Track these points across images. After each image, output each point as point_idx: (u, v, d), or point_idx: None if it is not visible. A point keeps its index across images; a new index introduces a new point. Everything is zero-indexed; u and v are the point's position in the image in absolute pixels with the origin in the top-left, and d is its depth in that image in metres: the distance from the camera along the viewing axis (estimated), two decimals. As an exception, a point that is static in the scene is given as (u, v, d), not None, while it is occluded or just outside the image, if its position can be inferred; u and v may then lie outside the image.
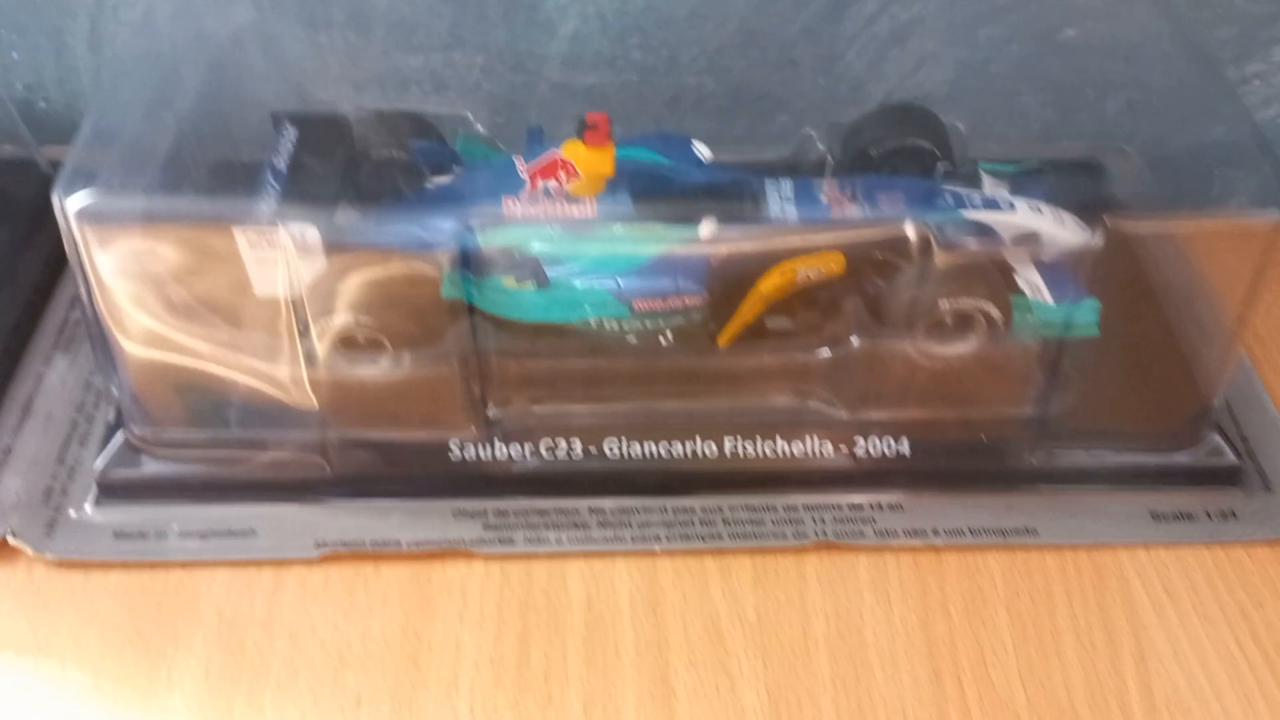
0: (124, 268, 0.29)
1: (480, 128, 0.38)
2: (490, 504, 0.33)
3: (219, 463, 0.33)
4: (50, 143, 0.42)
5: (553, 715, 0.29)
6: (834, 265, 0.33)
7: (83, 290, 0.30)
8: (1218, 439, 0.35)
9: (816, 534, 0.33)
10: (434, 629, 0.31)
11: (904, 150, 0.36)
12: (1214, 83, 0.37)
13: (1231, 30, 0.46)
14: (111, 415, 0.34)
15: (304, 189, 0.32)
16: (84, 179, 0.28)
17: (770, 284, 0.33)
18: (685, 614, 0.32)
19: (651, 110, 0.48)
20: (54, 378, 0.37)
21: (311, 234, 0.30)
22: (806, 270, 0.33)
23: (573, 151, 0.33)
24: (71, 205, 0.28)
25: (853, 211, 0.33)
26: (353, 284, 0.31)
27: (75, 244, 0.28)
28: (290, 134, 0.34)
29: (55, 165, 0.42)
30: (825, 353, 0.33)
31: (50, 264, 0.41)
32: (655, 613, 0.32)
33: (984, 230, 0.32)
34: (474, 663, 0.30)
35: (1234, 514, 0.35)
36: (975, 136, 0.38)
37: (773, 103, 0.47)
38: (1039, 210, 0.33)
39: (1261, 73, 0.48)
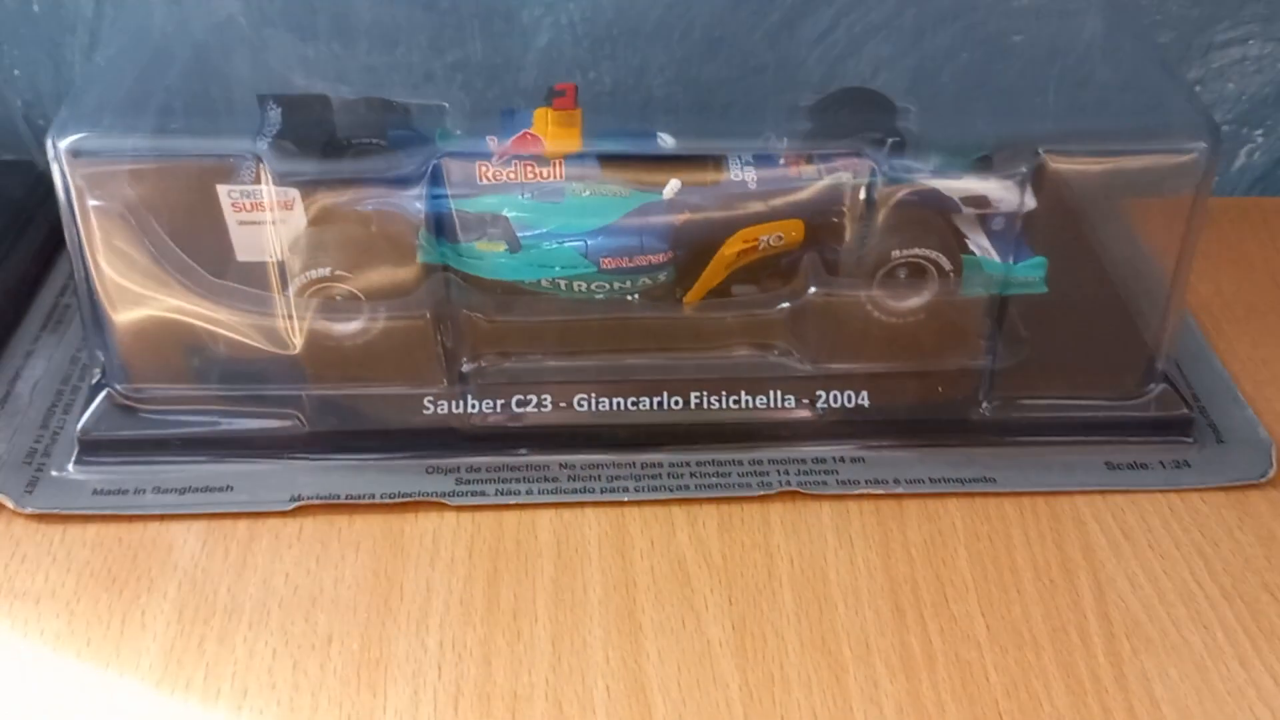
0: (112, 209, 0.30)
1: (456, 117, 0.40)
2: (462, 460, 0.34)
3: (200, 417, 0.34)
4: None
5: (521, 650, 0.30)
6: (794, 233, 0.35)
7: (71, 237, 0.31)
8: (1170, 392, 0.36)
9: (781, 484, 0.34)
10: (405, 573, 0.32)
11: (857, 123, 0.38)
12: (1165, 80, 0.39)
13: (1169, 35, 0.49)
14: (96, 376, 0.35)
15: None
16: (76, 125, 0.30)
17: (733, 249, 0.35)
18: (652, 557, 0.32)
19: (623, 117, 0.50)
20: (41, 355, 0.38)
21: (293, 193, 0.32)
22: (768, 237, 0.35)
23: (541, 119, 0.34)
24: (64, 145, 0.29)
25: (808, 170, 0.34)
26: (331, 241, 0.32)
27: (66, 184, 0.30)
28: (275, 114, 0.36)
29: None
30: (785, 306, 0.35)
31: (41, 256, 0.42)
32: (623, 556, 0.32)
33: (934, 192, 0.34)
34: (444, 603, 0.31)
35: (1187, 463, 0.36)
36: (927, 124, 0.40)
37: (740, 109, 0.49)
38: (984, 176, 0.35)
39: (1201, 78, 0.50)
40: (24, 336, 0.39)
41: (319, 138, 0.34)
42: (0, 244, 0.41)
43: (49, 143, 0.30)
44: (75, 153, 0.29)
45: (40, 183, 0.44)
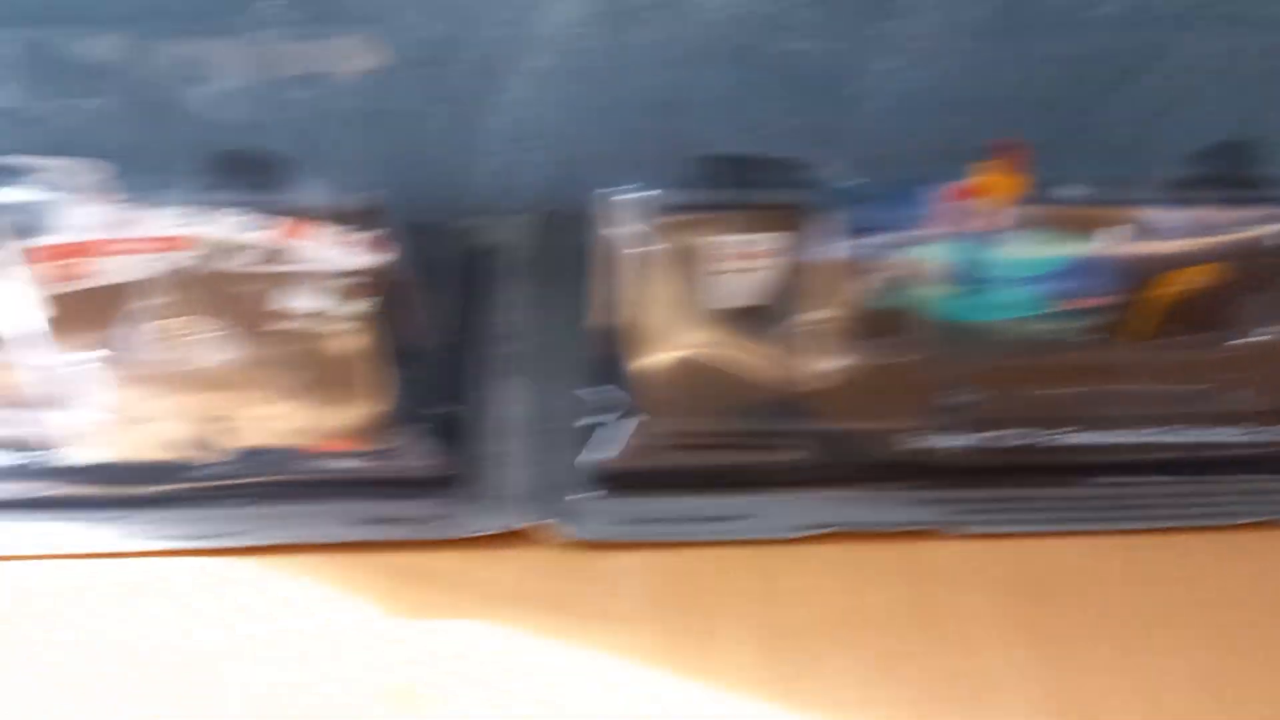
0: (653, 256, 0.33)
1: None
2: (948, 493, 0.37)
3: (718, 452, 0.36)
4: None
5: (1090, 671, 0.32)
6: (1216, 275, 0.37)
7: (612, 287, 0.34)
8: None
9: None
10: (941, 598, 0.34)
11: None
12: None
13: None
14: (616, 414, 0.37)
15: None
16: (618, 182, 0.33)
17: (1165, 290, 0.37)
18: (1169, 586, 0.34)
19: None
20: (516, 399, 0.40)
21: (780, 240, 0.35)
22: (1194, 279, 0.37)
23: (983, 171, 0.37)
24: (630, 199, 0.33)
25: (1220, 216, 0.36)
26: (818, 286, 0.35)
27: (626, 237, 0.33)
28: (724, 171, 0.39)
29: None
30: (1245, 341, 0.37)
31: (471, 308, 0.45)
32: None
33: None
34: (991, 627, 0.33)
35: None
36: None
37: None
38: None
39: None
40: (495, 382, 0.41)
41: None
42: (446, 304, 0.44)
43: (597, 199, 0.33)
44: (639, 206, 0.33)
45: (458, 244, 0.47)
